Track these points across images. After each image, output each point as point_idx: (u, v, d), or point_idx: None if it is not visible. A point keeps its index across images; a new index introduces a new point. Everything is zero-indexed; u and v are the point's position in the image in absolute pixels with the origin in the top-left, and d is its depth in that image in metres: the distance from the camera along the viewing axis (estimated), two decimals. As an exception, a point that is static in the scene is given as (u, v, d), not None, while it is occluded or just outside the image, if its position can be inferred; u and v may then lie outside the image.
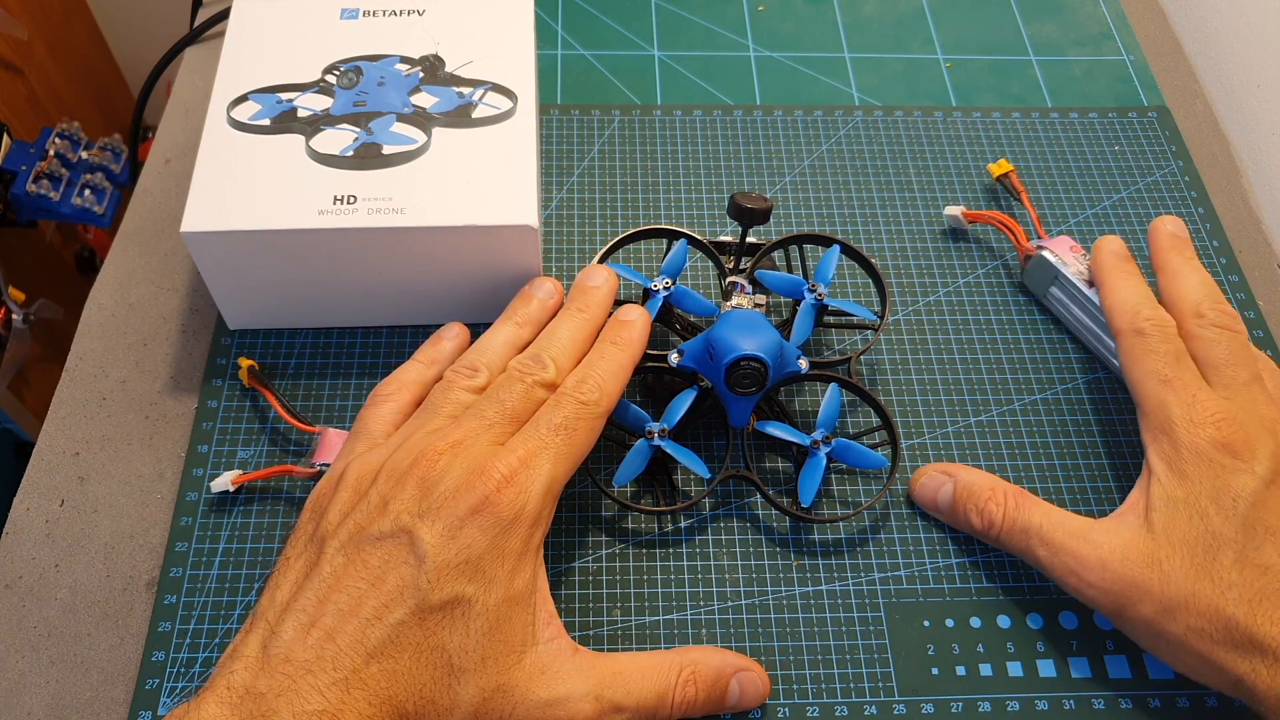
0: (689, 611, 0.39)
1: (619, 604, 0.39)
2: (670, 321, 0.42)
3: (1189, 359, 0.38)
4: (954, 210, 0.50)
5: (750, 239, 0.44)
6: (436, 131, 0.43)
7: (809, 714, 0.37)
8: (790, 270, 0.47)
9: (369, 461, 0.34)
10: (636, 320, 0.39)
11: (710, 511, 0.41)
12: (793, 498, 0.41)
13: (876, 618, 0.39)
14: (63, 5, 1.05)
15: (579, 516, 0.41)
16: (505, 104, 0.44)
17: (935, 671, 0.38)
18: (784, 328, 0.42)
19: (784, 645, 0.38)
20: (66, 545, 0.40)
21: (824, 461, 0.39)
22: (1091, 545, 0.36)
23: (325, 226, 0.39)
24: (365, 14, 0.47)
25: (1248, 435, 0.35)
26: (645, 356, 0.39)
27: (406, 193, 0.40)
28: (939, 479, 0.41)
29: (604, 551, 0.40)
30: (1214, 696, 0.38)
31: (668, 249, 0.43)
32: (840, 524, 0.41)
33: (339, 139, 0.42)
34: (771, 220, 0.50)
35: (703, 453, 0.42)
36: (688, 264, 0.46)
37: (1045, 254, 0.46)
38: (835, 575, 0.40)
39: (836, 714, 0.37)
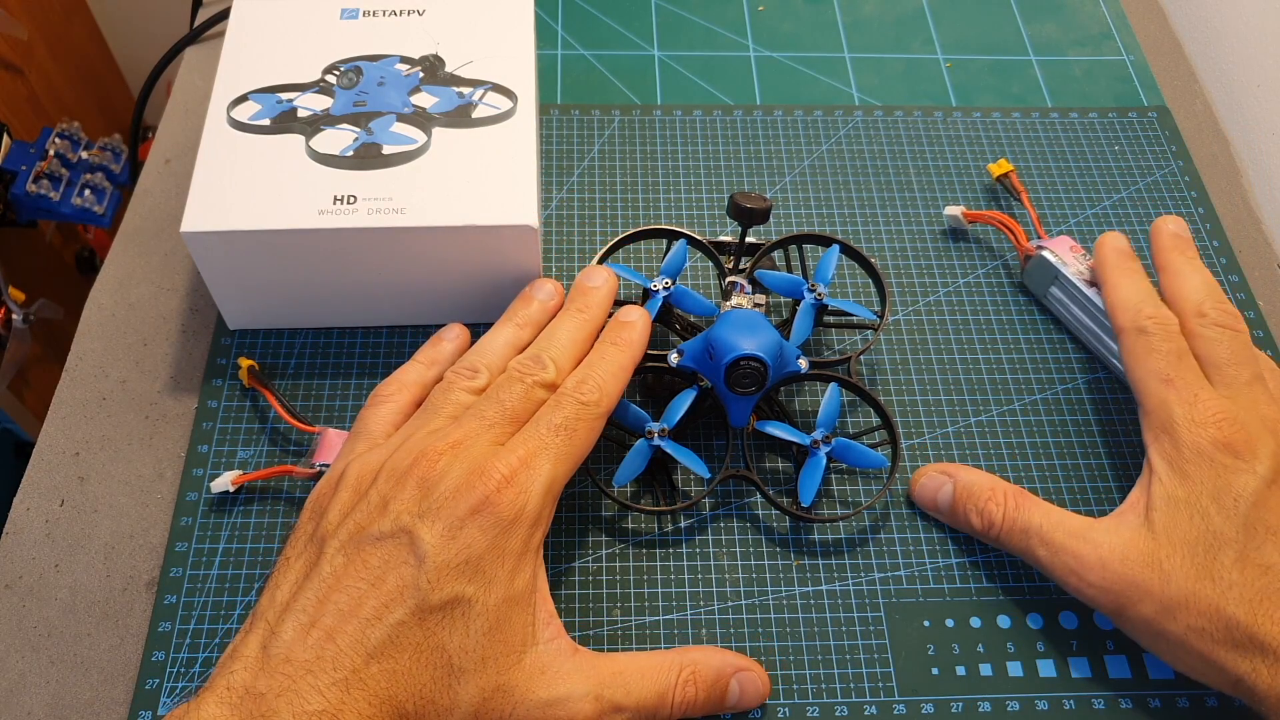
0: (689, 611, 0.39)
1: (619, 604, 0.39)
2: (670, 321, 0.42)
3: (1191, 358, 0.38)
4: (954, 210, 0.50)
5: (750, 239, 0.44)
6: (436, 131, 0.43)
7: (809, 714, 0.37)
8: (790, 270, 0.47)
9: (369, 461, 0.34)
10: (637, 321, 0.39)
11: (710, 511, 0.41)
12: (793, 498, 0.41)
13: (876, 618, 0.39)
14: (63, 5, 1.05)
15: (579, 516, 0.41)
16: (505, 104, 0.44)
17: (935, 671, 0.38)
18: (784, 328, 0.42)
19: (784, 645, 0.38)
20: (66, 545, 0.40)
21: (824, 461, 0.39)
22: (1091, 545, 0.36)
23: (325, 226, 0.39)
24: (365, 14, 0.47)
25: (1249, 435, 0.35)
26: (645, 356, 0.39)
27: (406, 193, 0.40)
28: (939, 479, 0.41)
29: (604, 551, 0.40)
30: (1214, 696, 0.38)
31: (667, 249, 0.43)
32: (840, 524, 0.41)
33: (339, 139, 0.42)
34: (771, 220, 0.50)
35: (703, 453, 0.42)
36: (687, 264, 0.46)
37: (1045, 254, 0.46)
38: (835, 575, 0.40)
39: (836, 714, 0.37)
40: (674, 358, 0.40)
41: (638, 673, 0.34)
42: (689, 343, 0.40)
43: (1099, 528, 0.36)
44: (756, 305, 0.41)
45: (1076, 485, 0.42)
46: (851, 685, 0.37)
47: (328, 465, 0.39)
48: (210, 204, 0.40)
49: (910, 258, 0.49)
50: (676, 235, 0.44)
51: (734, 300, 0.42)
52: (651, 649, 0.38)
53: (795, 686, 0.37)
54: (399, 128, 0.43)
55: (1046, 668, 0.38)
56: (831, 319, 0.44)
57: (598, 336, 0.39)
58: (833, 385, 0.40)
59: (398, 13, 0.47)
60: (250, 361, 0.43)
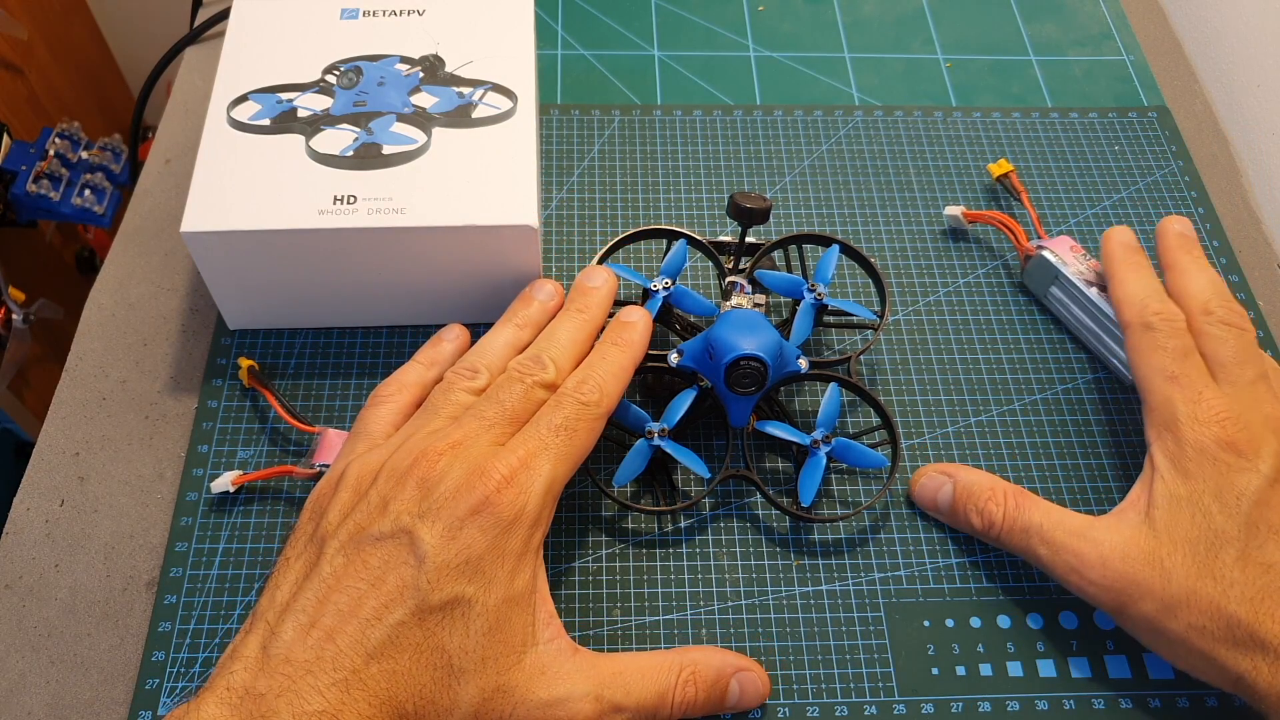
0: (689, 611, 0.39)
1: (619, 604, 0.39)
2: (670, 321, 0.42)
3: (1197, 355, 0.38)
4: (954, 210, 0.50)
5: (750, 239, 0.44)
6: (436, 131, 0.43)
7: (809, 714, 0.37)
8: (790, 270, 0.47)
9: (369, 462, 0.34)
10: (638, 322, 0.39)
11: (710, 511, 0.41)
12: (793, 497, 0.41)
13: (876, 618, 0.39)
14: (63, 5, 1.05)
15: (579, 516, 0.41)
16: (505, 104, 0.44)
17: (935, 671, 0.38)
18: (784, 327, 0.42)
19: (784, 645, 0.38)
20: (66, 545, 0.40)
21: (824, 461, 0.39)
22: (1092, 543, 0.36)
23: (325, 226, 0.39)
24: (365, 14, 0.47)
25: (1252, 434, 0.35)
26: (645, 356, 0.39)
27: (406, 193, 0.40)
28: (939, 479, 0.41)
29: (604, 551, 0.40)
30: (1214, 696, 0.38)
31: (667, 249, 0.43)
32: (840, 524, 0.41)
33: (339, 139, 0.42)
34: (771, 220, 0.50)
35: (703, 453, 0.42)
36: (687, 264, 0.46)
37: (1045, 254, 0.46)
38: (835, 575, 0.40)
39: (836, 714, 0.37)
40: (674, 358, 0.40)
41: (638, 673, 0.34)
42: (689, 343, 0.40)
43: (1100, 526, 0.36)
44: (756, 305, 0.41)
45: (1076, 485, 0.42)
46: (851, 685, 0.37)
47: (328, 465, 0.39)
48: (210, 204, 0.40)
49: (910, 258, 0.49)
50: (676, 235, 0.44)
51: (734, 300, 0.42)
52: (651, 649, 0.38)
53: (795, 686, 0.37)
54: (399, 128, 0.43)
55: (1046, 668, 0.38)
56: (831, 319, 0.44)
57: (598, 337, 0.39)
58: (833, 385, 0.40)
59: (398, 13, 0.47)
60: (250, 361, 0.43)
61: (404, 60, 0.45)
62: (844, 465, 0.42)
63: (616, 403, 0.36)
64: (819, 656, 0.38)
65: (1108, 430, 0.44)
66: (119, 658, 0.37)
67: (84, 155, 0.88)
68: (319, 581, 0.31)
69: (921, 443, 0.43)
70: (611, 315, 0.40)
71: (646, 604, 0.39)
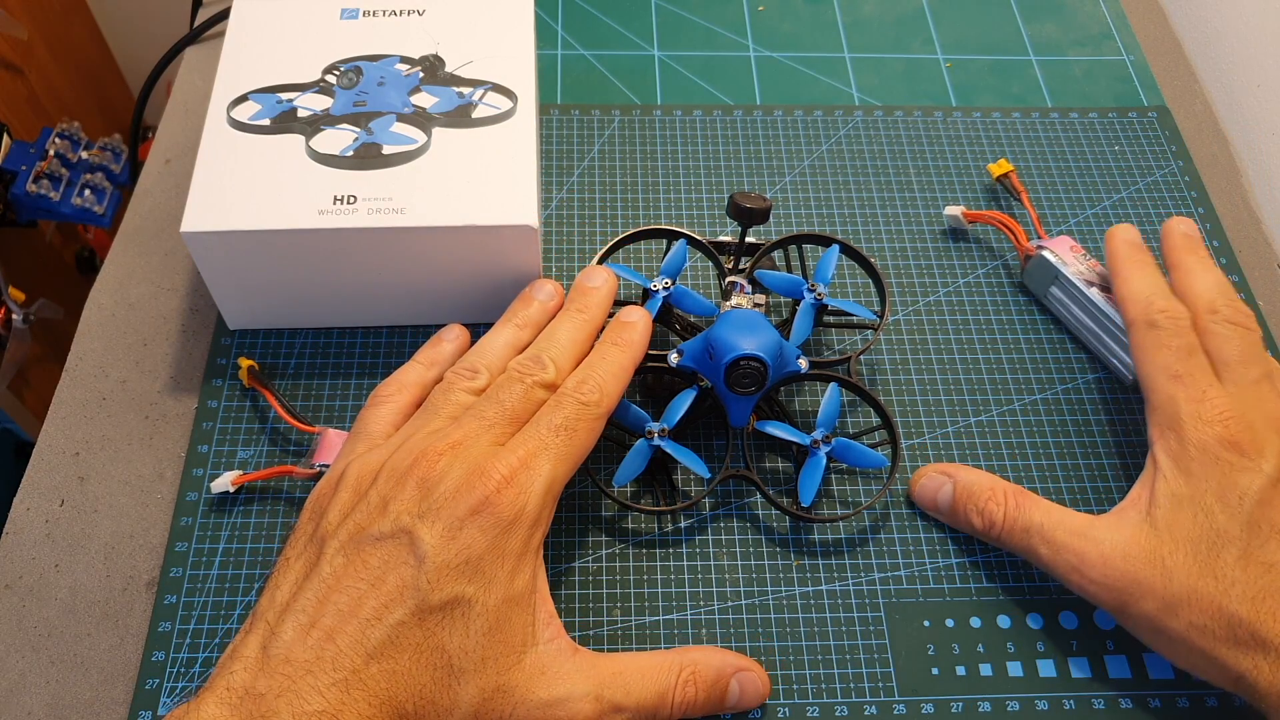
0: (689, 611, 0.39)
1: (619, 604, 0.39)
2: (670, 321, 0.42)
3: (1201, 354, 0.38)
4: (954, 210, 0.50)
5: (750, 239, 0.44)
6: (436, 131, 0.43)
7: (809, 714, 0.37)
8: (790, 270, 0.47)
9: (369, 462, 0.34)
10: (638, 322, 0.39)
11: (710, 511, 0.41)
12: (793, 497, 0.41)
13: (876, 618, 0.39)
14: (63, 5, 1.05)
15: (579, 516, 0.41)
16: (505, 104, 0.44)
17: (935, 671, 0.38)
18: (784, 327, 0.42)
19: (784, 645, 0.38)
20: (66, 545, 0.40)
21: (824, 461, 0.39)
22: (1093, 542, 0.36)
23: (325, 226, 0.39)
24: (365, 14, 0.47)
25: (1255, 434, 0.35)
26: (645, 356, 0.39)
27: (406, 193, 0.40)
28: (939, 480, 0.41)
29: (604, 551, 0.40)
30: (1214, 696, 0.38)
31: (667, 249, 0.43)
32: (840, 524, 0.41)
33: (339, 139, 0.42)
34: (771, 220, 0.50)
35: (703, 453, 0.42)
36: (687, 264, 0.46)
37: (1045, 254, 0.46)
38: (835, 575, 0.40)
39: (836, 714, 0.37)
40: (674, 358, 0.40)
41: (638, 673, 0.34)
42: (689, 343, 0.40)
43: (1100, 525, 0.36)
44: (756, 305, 0.41)
45: (1076, 485, 0.42)
46: (851, 685, 0.37)
47: (328, 465, 0.39)
48: (210, 204, 0.40)
49: (910, 258, 0.49)
50: (676, 235, 0.44)
51: (734, 300, 0.42)
52: (651, 649, 0.38)
53: (795, 686, 0.37)
54: (399, 128, 0.43)
55: (1046, 668, 0.38)
56: (831, 319, 0.44)
57: (598, 337, 0.39)
58: (833, 385, 0.40)
59: (398, 13, 0.47)
60: (250, 361, 0.43)
61: (404, 60, 0.45)
62: (844, 465, 0.42)
63: (616, 403, 0.36)
64: (819, 656, 0.38)
65: (1108, 430, 0.44)
66: (119, 658, 0.37)
67: (84, 155, 0.88)
68: (319, 581, 0.31)
69: (921, 443, 0.43)
70: (611, 315, 0.40)
71: (646, 604, 0.39)
